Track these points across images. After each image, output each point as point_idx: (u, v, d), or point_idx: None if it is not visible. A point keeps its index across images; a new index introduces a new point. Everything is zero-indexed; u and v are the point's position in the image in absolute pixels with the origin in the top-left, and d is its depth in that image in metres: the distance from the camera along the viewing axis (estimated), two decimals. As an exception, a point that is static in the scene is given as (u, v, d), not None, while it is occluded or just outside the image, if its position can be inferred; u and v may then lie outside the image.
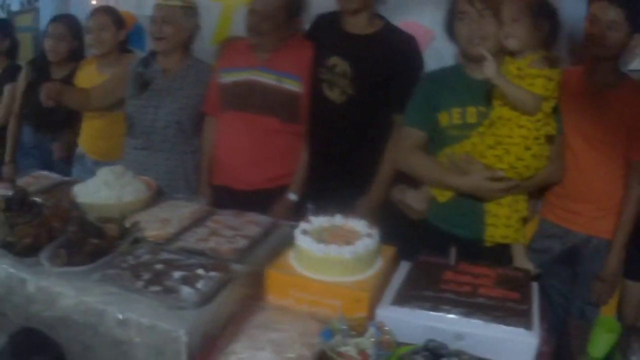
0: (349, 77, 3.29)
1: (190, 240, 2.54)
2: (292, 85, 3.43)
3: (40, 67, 4.61)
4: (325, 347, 1.89)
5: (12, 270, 2.44)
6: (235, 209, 2.93)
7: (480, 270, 2.31)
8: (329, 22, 3.47)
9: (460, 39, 2.86)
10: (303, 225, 2.36)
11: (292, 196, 3.51)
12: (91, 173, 3.84)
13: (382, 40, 3.30)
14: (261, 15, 3.37)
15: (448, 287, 2.17)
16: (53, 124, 4.50)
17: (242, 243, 2.51)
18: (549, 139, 2.72)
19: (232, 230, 2.64)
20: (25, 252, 2.48)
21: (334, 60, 3.35)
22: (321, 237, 2.29)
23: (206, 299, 2.10)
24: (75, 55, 4.58)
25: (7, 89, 4.82)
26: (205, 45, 4.10)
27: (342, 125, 3.35)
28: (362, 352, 1.88)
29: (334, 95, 3.33)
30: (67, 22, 4.60)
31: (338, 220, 2.46)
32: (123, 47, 4.31)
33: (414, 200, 2.97)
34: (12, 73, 4.86)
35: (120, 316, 2.09)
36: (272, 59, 3.47)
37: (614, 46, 2.88)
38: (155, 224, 2.68)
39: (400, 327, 2.01)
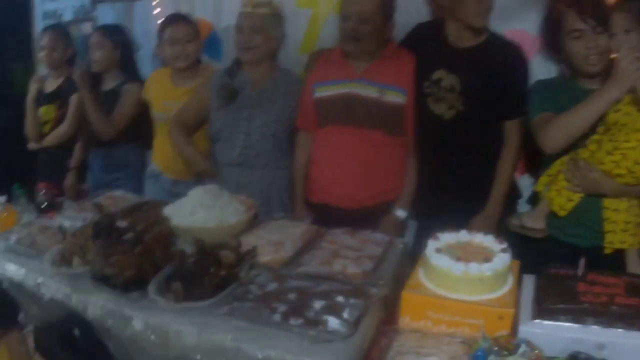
0: (457, 92, 3.26)
1: (313, 264, 2.49)
2: (395, 97, 3.36)
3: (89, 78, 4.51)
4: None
5: (112, 305, 2.36)
6: (339, 227, 2.91)
7: (609, 280, 2.33)
8: (430, 33, 3.43)
9: (576, 56, 2.90)
10: (433, 243, 2.34)
11: (401, 212, 3.45)
12: (169, 193, 3.91)
13: (489, 51, 3.27)
14: (358, 19, 3.28)
15: (586, 298, 2.19)
16: (100, 141, 4.44)
17: (368, 264, 2.47)
18: None
19: (354, 251, 2.60)
20: (128, 285, 2.37)
21: (439, 74, 3.30)
22: (454, 254, 2.28)
23: (354, 328, 2.04)
24: (124, 67, 4.53)
25: (73, 98, 4.71)
26: (292, 54, 4.08)
27: (451, 141, 3.32)
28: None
29: (441, 109, 3.31)
30: (108, 32, 4.51)
31: (464, 236, 2.45)
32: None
33: (532, 221, 3.00)
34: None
35: (259, 354, 2.02)
36: (371, 70, 3.39)
37: None
38: (267, 248, 2.62)
39: (543, 341, 2.04)
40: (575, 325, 2.09)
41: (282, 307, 2.16)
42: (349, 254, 2.58)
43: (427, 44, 3.40)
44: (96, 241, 2.56)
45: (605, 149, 2.76)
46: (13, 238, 2.98)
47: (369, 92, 3.36)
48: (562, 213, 2.92)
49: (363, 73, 3.40)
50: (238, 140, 3.65)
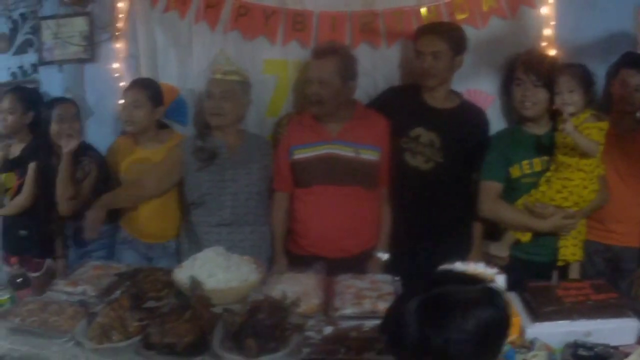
0: (436, 147, 3.86)
1: (347, 307, 2.92)
2: (370, 155, 3.83)
3: None
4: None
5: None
6: (334, 274, 3.34)
7: (577, 285, 3.09)
8: (406, 95, 4.01)
9: (515, 100, 3.72)
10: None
11: (383, 255, 3.91)
12: (144, 257, 4.18)
13: (462, 114, 3.95)
14: (319, 83, 3.73)
15: (567, 300, 2.93)
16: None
17: (391, 300, 2.82)
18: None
19: (372, 291, 3.07)
20: (189, 351, 2.54)
21: (418, 131, 3.87)
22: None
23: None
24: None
25: (30, 167, 4.54)
26: (259, 117, 4.45)
27: (429, 188, 3.91)
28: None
29: (417, 162, 3.90)
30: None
31: (460, 266, 3.01)
32: (161, 123, 4.35)
33: (497, 251, 3.75)
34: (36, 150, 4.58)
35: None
36: (346, 131, 3.85)
37: (638, 103, 3.74)
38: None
39: (545, 338, 2.76)
40: (566, 322, 2.82)
41: (353, 344, 2.57)
42: (369, 294, 3.03)
43: (404, 104, 3.97)
44: (132, 313, 2.77)
45: (554, 188, 3.59)
46: (16, 320, 2.94)
47: (346, 152, 3.82)
48: (524, 239, 3.72)
49: (338, 135, 3.85)
50: (227, 201, 3.94)
